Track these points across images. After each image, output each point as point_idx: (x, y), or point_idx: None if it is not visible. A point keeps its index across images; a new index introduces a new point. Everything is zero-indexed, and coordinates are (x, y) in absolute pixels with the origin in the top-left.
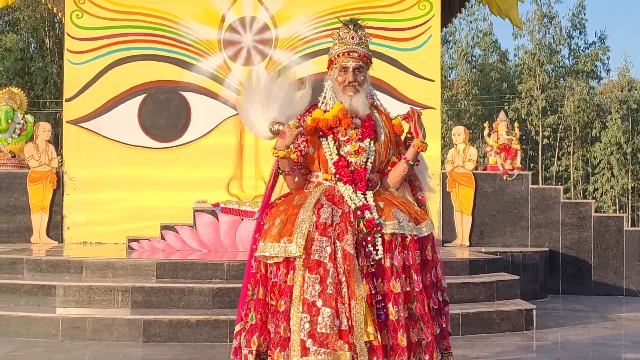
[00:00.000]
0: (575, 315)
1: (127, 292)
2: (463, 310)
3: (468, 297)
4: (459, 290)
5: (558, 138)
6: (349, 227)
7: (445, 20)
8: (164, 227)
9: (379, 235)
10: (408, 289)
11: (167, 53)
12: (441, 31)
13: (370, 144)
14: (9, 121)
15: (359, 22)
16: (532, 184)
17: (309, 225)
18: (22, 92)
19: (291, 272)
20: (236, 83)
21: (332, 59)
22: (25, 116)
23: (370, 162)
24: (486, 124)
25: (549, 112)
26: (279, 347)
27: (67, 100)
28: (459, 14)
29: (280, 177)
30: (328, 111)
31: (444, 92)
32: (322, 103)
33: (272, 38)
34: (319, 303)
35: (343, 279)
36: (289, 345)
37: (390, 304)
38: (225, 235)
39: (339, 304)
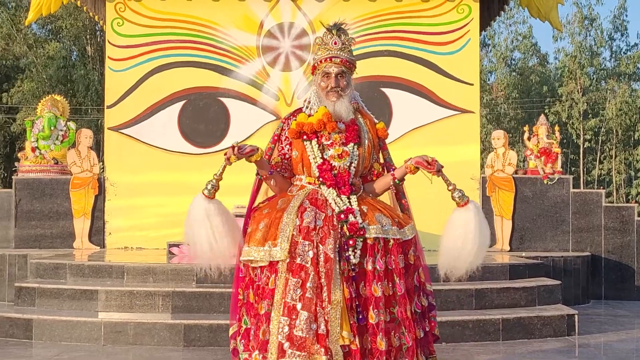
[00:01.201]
0: (618, 320)
1: (167, 297)
2: (504, 315)
3: (508, 303)
4: (499, 296)
5: (600, 141)
6: (331, 231)
7: (484, 23)
8: None
9: (361, 239)
10: (390, 292)
11: (207, 59)
12: (480, 34)
13: (353, 148)
14: (52, 128)
15: (342, 26)
16: (573, 188)
17: (292, 229)
18: (65, 99)
19: (273, 276)
20: (275, 89)
21: (315, 64)
22: (68, 123)
23: (354, 167)
24: (526, 128)
25: (590, 115)
26: (257, 350)
27: (109, 107)
28: (498, 17)
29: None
30: (312, 115)
31: (483, 96)
32: (307, 108)
33: (310, 43)
34: (299, 306)
35: (324, 283)
36: (267, 347)
37: (370, 308)
38: None
39: (318, 308)
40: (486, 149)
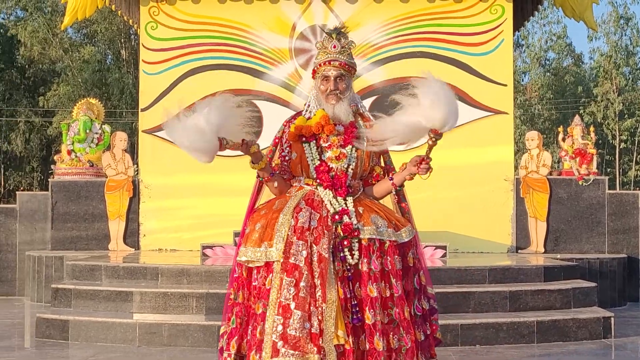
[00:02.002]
0: None
1: (201, 299)
2: (538, 318)
3: (543, 305)
4: (533, 298)
5: (636, 142)
6: (325, 231)
7: (518, 23)
8: (237, 234)
9: (356, 240)
10: (388, 294)
11: (239, 62)
12: (513, 35)
13: (352, 150)
14: (87, 131)
15: (343, 30)
16: (609, 189)
17: (287, 229)
18: (100, 102)
19: (270, 276)
20: (307, 91)
21: (315, 68)
22: (103, 126)
23: (352, 169)
24: (561, 129)
25: (626, 116)
26: (254, 349)
27: (143, 110)
28: (531, 17)
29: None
30: (311, 118)
31: (516, 97)
32: (306, 111)
33: None
34: (292, 306)
35: (318, 282)
36: (262, 346)
37: (366, 308)
38: None
39: (311, 307)
40: (520, 150)
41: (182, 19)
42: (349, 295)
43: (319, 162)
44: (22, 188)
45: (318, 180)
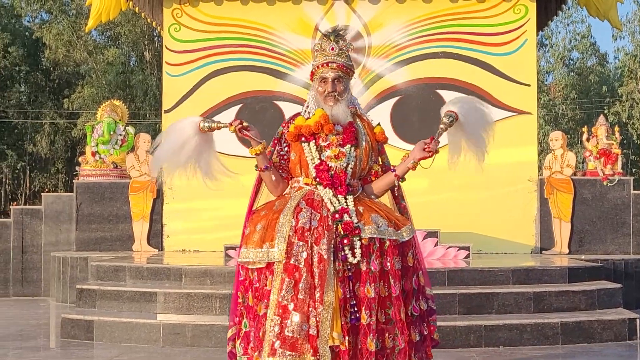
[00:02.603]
0: None
1: (224, 299)
2: (562, 319)
3: (567, 306)
4: (558, 299)
5: None
6: (326, 232)
7: (541, 23)
8: None
9: (358, 238)
10: (386, 293)
11: (262, 63)
12: (537, 35)
13: (350, 149)
14: (111, 133)
15: (341, 32)
16: (634, 190)
17: (288, 229)
18: (123, 104)
19: (271, 276)
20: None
21: (313, 70)
22: (127, 128)
23: (351, 168)
24: (585, 129)
25: None
26: (258, 350)
27: (166, 111)
28: (555, 16)
29: (264, 185)
30: (310, 118)
31: (540, 97)
32: (305, 112)
33: (365, 46)
34: (291, 307)
35: (317, 284)
36: (260, 347)
37: (363, 309)
38: None
39: (310, 309)
40: (544, 150)
41: (204, 21)
42: (348, 295)
43: (318, 161)
44: (47, 189)
45: (317, 179)
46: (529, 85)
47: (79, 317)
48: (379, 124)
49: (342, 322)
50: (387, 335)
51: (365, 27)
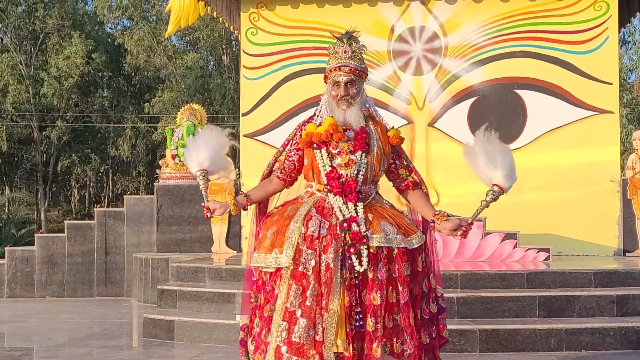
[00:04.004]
0: None
1: None
2: None
3: None
4: None
5: None
6: (334, 240)
7: (624, 20)
8: None
9: (365, 246)
10: (394, 300)
11: None
12: (619, 32)
13: (361, 156)
14: (191, 136)
15: (354, 34)
16: None
17: (298, 237)
18: (202, 108)
19: (279, 281)
20: (406, 93)
21: (326, 73)
22: None
23: (362, 175)
24: None
25: None
26: (259, 350)
27: (244, 114)
28: (638, 13)
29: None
30: (321, 125)
31: (623, 95)
32: (317, 116)
33: (442, 46)
34: (298, 313)
35: (324, 291)
36: (267, 349)
37: (368, 315)
38: None
39: (317, 315)
40: (627, 150)
41: (281, 24)
42: (354, 303)
43: (329, 168)
44: (129, 192)
45: (328, 187)
46: (610, 84)
47: (160, 317)
48: (393, 127)
49: (348, 329)
50: (395, 340)
51: (441, 27)
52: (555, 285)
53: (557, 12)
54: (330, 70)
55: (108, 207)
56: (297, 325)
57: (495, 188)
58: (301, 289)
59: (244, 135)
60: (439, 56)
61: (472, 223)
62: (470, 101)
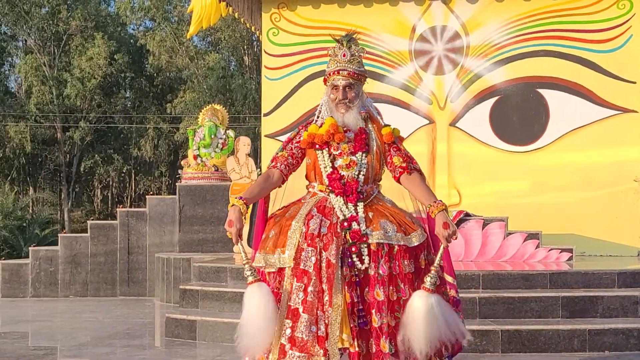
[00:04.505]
0: None
1: None
2: None
3: None
4: None
5: None
6: (334, 238)
7: None
8: None
9: (365, 245)
10: (395, 297)
11: None
12: None
13: (362, 157)
14: (212, 136)
15: (354, 37)
16: None
17: (299, 236)
18: (224, 108)
19: (281, 281)
20: (428, 93)
21: (326, 76)
22: (227, 131)
23: (363, 175)
24: None
25: None
26: (265, 352)
27: (265, 115)
28: None
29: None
30: (322, 126)
31: None
32: (318, 117)
33: (464, 46)
34: (301, 309)
35: (326, 287)
36: (270, 348)
37: (373, 312)
38: None
39: (318, 312)
40: None
41: (302, 25)
42: (356, 300)
43: (331, 169)
44: (151, 192)
45: (330, 188)
46: (634, 83)
47: (183, 317)
48: (388, 125)
49: (352, 325)
50: (399, 338)
51: (463, 26)
52: (579, 286)
53: (580, 11)
54: (330, 74)
55: (130, 207)
56: (299, 321)
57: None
58: (303, 286)
59: (265, 136)
60: (460, 56)
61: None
62: (492, 101)
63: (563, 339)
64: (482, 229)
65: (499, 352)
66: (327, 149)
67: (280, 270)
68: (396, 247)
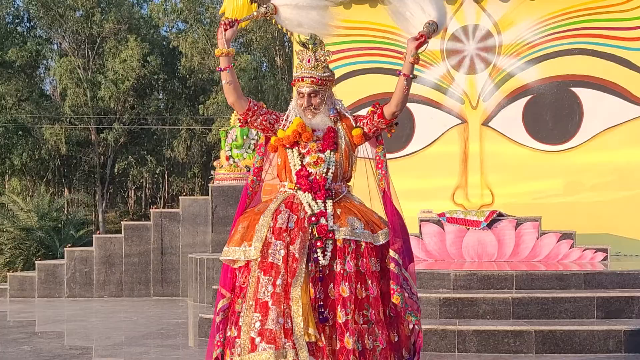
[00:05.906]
0: None
1: None
2: None
3: None
4: None
5: None
6: (301, 233)
7: None
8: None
9: (331, 241)
10: (363, 295)
11: (390, 65)
12: None
13: (330, 155)
14: (245, 137)
15: (317, 40)
16: None
17: (267, 230)
18: None
19: (248, 275)
20: (460, 92)
21: (293, 81)
22: (259, 132)
23: (331, 172)
24: None
25: None
26: (228, 347)
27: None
28: None
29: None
30: (288, 127)
31: None
32: (286, 121)
33: (496, 45)
34: (270, 302)
35: (291, 281)
36: (234, 344)
37: (338, 307)
38: (452, 244)
39: (283, 305)
40: None
41: (334, 25)
42: (318, 296)
43: (299, 167)
44: (184, 193)
45: (298, 185)
46: None
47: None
48: (358, 127)
49: (316, 320)
50: (366, 336)
51: (495, 25)
52: (614, 286)
53: (614, 9)
54: (295, 80)
55: (164, 208)
56: (269, 314)
57: (430, 21)
58: (272, 279)
59: None
60: (492, 54)
61: (423, 36)
62: (525, 100)
63: (598, 340)
64: (516, 228)
65: (533, 353)
66: (296, 147)
67: (248, 263)
68: (363, 244)
